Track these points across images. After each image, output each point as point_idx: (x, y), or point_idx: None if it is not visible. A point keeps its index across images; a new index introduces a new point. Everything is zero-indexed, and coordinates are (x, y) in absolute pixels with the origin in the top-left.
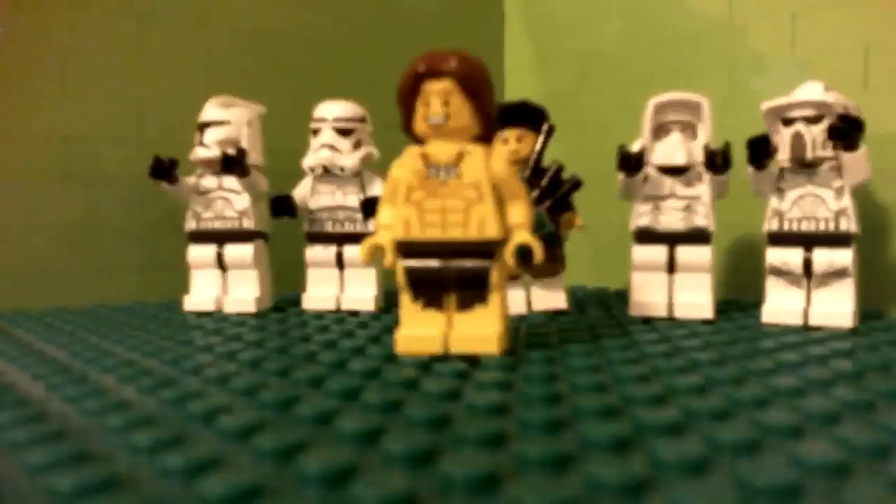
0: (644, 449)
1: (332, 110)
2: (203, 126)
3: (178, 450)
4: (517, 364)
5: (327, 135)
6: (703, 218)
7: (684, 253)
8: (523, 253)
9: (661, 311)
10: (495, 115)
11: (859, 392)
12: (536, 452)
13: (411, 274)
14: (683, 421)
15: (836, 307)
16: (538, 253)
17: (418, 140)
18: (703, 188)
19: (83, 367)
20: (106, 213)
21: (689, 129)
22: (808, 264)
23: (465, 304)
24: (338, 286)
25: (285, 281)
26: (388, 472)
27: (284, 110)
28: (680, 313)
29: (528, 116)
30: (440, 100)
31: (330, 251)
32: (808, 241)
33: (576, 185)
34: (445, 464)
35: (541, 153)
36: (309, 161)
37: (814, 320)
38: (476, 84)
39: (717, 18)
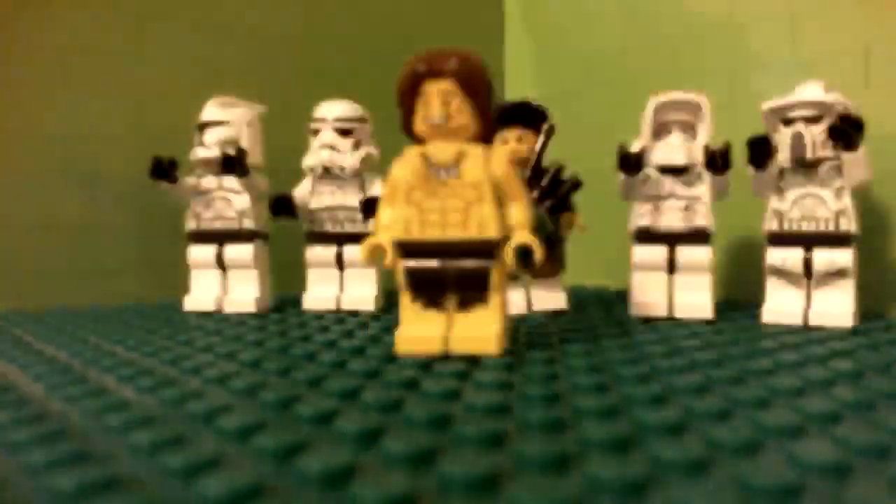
0: (644, 449)
1: (332, 110)
2: (203, 126)
3: (178, 450)
4: (517, 364)
5: (327, 135)
6: (703, 218)
7: (684, 253)
8: (523, 253)
9: (661, 311)
10: (494, 115)
11: (859, 392)
12: (536, 452)
13: (411, 274)
14: (683, 421)
15: (836, 307)
16: (538, 253)
17: (418, 140)
18: (703, 188)
19: (83, 367)
20: (106, 213)
21: (690, 129)
22: (808, 264)
23: (465, 305)
24: (338, 286)
25: (285, 281)
26: (388, 472)
27: (284, 110)
28: (680, 313)
29: (528, 116)
30: (440, 100)
31: (330, 251)
32: (808, 241)
33: (576, 185)
34: (445, 464)
35: (541, 153)
36: (309, 161)
37: (814, 320)
38: (476, 84)
39: (717, 18)
